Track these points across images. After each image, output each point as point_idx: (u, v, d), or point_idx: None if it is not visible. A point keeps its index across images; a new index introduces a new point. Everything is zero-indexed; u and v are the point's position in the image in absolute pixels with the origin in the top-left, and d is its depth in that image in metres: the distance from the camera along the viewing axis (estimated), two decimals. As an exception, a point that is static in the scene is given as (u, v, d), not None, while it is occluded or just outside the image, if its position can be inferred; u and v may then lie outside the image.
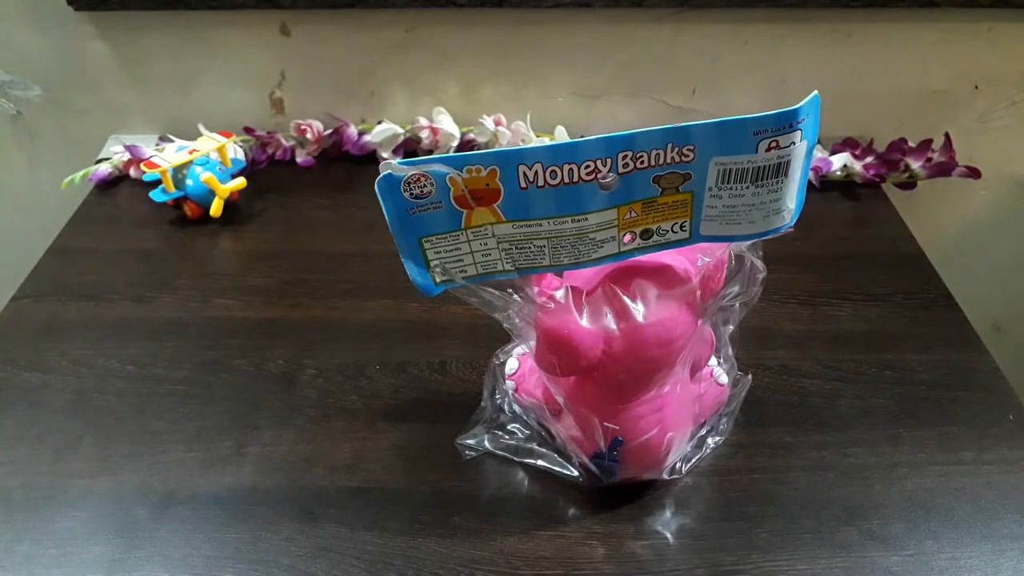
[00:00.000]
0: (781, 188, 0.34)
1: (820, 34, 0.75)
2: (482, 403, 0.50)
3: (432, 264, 0.37)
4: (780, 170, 0.33)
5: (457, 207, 0.35)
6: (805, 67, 0.77)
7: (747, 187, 0.34)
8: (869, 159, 0.76)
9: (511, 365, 0.49)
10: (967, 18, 0.74)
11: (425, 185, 0.34)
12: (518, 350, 0.49)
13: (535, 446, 0.48)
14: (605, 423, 0.42)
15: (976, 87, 0.80)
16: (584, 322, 0.38)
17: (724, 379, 0.48)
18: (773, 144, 0.32)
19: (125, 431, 0.51)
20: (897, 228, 0.71)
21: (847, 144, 0.77)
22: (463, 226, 0.35)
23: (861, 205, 0.75)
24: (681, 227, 0.36)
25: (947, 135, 0.75)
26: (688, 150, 0.33)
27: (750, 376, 0.49)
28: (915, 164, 0.75)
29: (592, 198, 0.34)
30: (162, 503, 0.46)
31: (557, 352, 0.39)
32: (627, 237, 0.36)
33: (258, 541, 0.44)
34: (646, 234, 0.37)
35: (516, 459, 0.48)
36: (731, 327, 0.44)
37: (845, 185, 0.76)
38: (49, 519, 0.45)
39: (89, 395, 0.53)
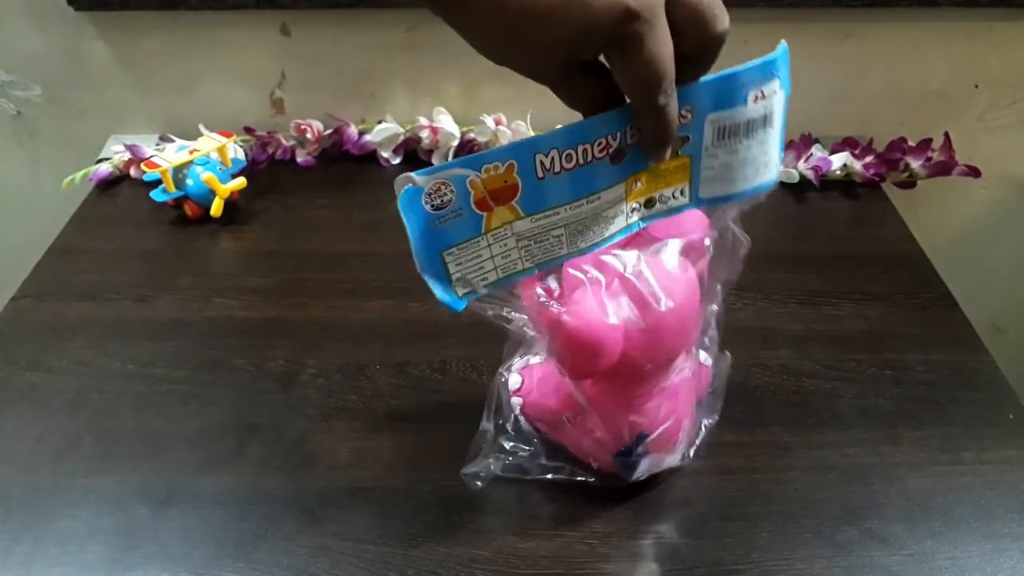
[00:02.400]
0: (768, 139, 0.36)
1: (820, 34, 0.75)
2: (480, 428, 0.48)
3: (454, 277, 0.36)
4: (766, 121, 0.36)
5: (477, 211, 0.34)
6: (805, 67, 0.77)
7: (740, 142, 0.36)
8: (869, 158, 0.76)
9: (515, 381, 0.48)
10: (967, 18, 0.74)
11: (446, 193, 0.33)
12: (518, 365, 0.48)
13: (543, 460, 0.47)
14: (632, 418, 0.42)
15: (976, 87, 0.80)
16: (609, 318, 0.38)
17: (704, 357, 0.48)
18: (759, 95, 0.34)
19: (126, 431, 0.51)
20: (897, 227, 0.71)
21: (847, 143, 0.77)
22: (483, 230, 0.35)
23: (861, 205, 0.75)
24: (681, 192, 0.37)
25: (947, 134, 0.75)
26: (686, 111, 0.34)
27: (728, 354, 0.49)
28: (915, 163, 0.75)
29: (604, 175, 0.35)
30: (163, 502, 0.46)
31: (584, 353, 0.39)
32: (632, 208, 0.37)
33: (259, 540, 0.44)
34: (649, 203, 0.37)
35: (528, 478, 0.47)
36: (715, 306, 0.44)
37: (845, 185, 0.76)
38: (50, 518, 0.45)
39: (90, 395, 0.53)
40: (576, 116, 0.34)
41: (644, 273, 0.39)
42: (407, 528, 0.45)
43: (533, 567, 0.43)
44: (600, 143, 0.33)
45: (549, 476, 0.47)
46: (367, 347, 0.57)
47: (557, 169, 0.33)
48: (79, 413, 0.52)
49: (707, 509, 0.47)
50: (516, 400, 0.48)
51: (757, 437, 0.51)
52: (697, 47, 0.31)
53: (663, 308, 0.38)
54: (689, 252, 0.40)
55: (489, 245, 0.36)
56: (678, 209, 0.38)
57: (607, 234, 0.37)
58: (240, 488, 0.47)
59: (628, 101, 0.32)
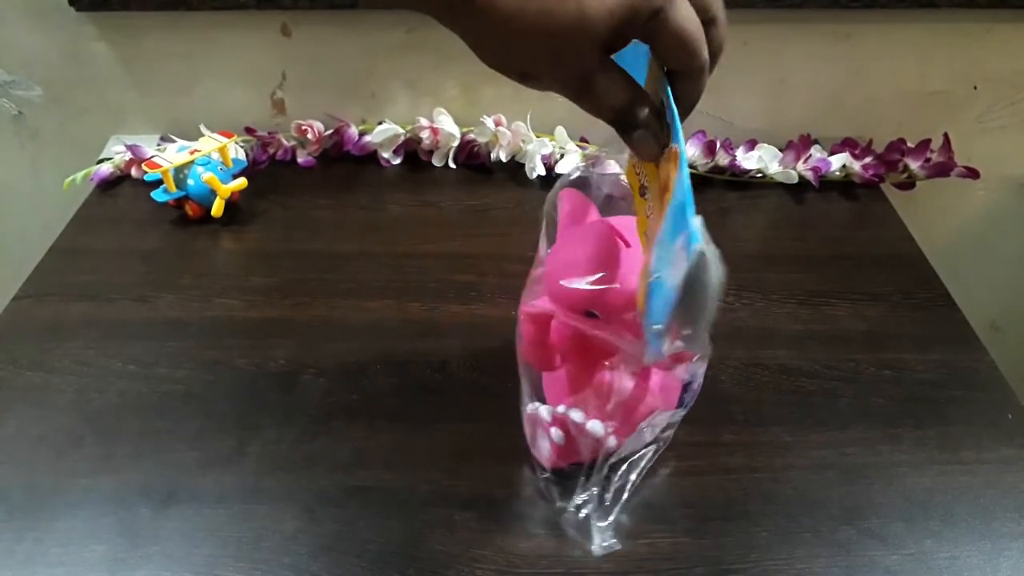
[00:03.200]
0: None
1: (820, 34, 0.75)
2: (568, 513, 0.46)
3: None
4: None
5: None
6: (805, 67, 0.78)
7: None
8: (868, 159, 0.76)
9: (599, 428, 0.44)
10: (967, 18, 0.74)
11: None
12: (577, 416, 0.44)
13: (616, 478, 0.45)
14: (687, 362, 0.44)
15: (975, 87, 0.80)
16: None
17: None
18: None
19: (127, 430, 0.51)
20: (896, 228, 0.72)
21: (846, 144, 0.77)
22: None
23: (860, 205, 0.75)
24: None
25: (946, 135, 0.75)
26: None
27: None
28: (914, 164, 0.76)
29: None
30: (164, 502, 0.46)
31: None
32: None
33: (260, 540, 0.45)
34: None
35: (628, 497, 0.46)
36: None
37: (844, 185, 0.77)
38: (51, 518, 0.46)
39: (91, 395, 0.53)
40: (572, 122, 0.34)
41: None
42: (407, 528, 0.45)
43: (533, 567, 0.44)
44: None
45: (628, 485, 0.46)
46: (367, 347, 0.57)
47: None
48: (80, 413, 0.52)
49: (707, 509, 0.47)
50: (612, 441, 0.44)
51: (756, 437, 0.51)
52: None
53: None
54: None
55: None
56: None
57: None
58: (241, 487, 0.47)
59: (668, 72, 0.32)
